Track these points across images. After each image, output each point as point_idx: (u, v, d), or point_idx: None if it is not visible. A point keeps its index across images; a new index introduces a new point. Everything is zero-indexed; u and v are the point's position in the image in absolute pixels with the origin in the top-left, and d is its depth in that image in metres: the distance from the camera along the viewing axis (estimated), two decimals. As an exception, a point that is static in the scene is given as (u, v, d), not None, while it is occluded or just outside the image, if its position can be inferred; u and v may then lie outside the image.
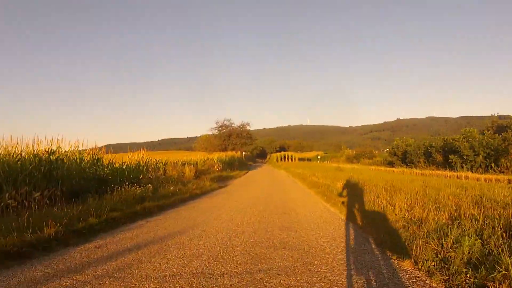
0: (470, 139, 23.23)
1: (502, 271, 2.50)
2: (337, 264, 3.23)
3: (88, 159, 8.77)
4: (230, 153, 29.61)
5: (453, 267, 2.78)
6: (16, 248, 3.54)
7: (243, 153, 49.02)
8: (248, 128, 53.41)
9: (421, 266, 2.99)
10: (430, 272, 2.86)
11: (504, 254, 2.69)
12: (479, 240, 3.21)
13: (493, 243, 3.16)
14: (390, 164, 32.73)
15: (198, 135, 57.34)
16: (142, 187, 8.23)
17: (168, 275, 3.00)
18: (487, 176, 15.30)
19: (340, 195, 7.95)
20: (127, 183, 8.48)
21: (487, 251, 3.01)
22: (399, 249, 3.48)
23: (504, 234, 3.48)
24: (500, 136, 22.02)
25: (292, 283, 2.76)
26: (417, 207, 5.26)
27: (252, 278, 2.89)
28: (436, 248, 3.27)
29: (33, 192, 6.02)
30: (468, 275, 2.63)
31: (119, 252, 3.78)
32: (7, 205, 5.48)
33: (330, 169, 19.85)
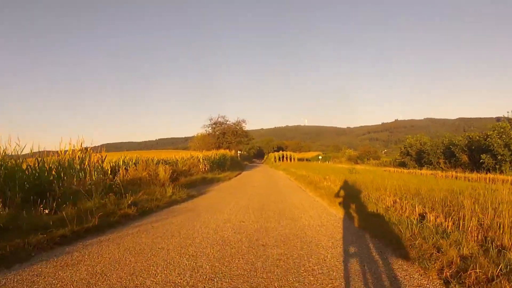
0: (503, 135, 19.71)
1: None
2: None
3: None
4: (222, 151, 25.65)
5: None
6: None
7: (238, 152, 45.11)
8: (244, 125, 49.52)
9: None
10: None
11: None
12: None
13: None
14: (402, 165, 29.13)
15: (196, 135, 53.25)
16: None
17: None
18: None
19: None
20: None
21: None
22: None
23: None
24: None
25: None
26: None
27: None
28: None
29: None
30: None
31: None
32: None
33: (341, 171, 16.11)
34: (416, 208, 4.75)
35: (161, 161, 15.48)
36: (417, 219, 4.25)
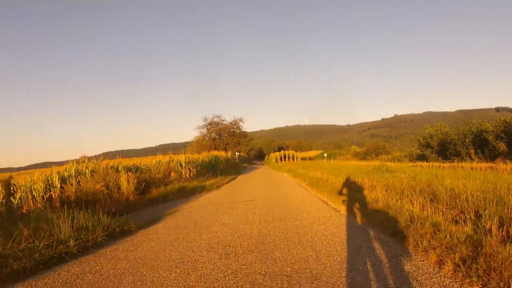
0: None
1: None
2: None
3: None
4: (214, 153, 21.96)
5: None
6: None
7: (236, 153, 41.41)
8: (241, 124, 45.91)
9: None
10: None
11: None
12: None
13: None
14: (422, 158, 25.54)
15: (193, 139, 49.57)
16: None
17: None
18: None
19: None
20: None
21: None
22: None
23: None
24: None
25: None
26: None
27: None
28: None
29: None
30: None
31: None
32: None
33: (366, 170, 12.53)
34: None
35: (132, 167, 11.88)
36: None
